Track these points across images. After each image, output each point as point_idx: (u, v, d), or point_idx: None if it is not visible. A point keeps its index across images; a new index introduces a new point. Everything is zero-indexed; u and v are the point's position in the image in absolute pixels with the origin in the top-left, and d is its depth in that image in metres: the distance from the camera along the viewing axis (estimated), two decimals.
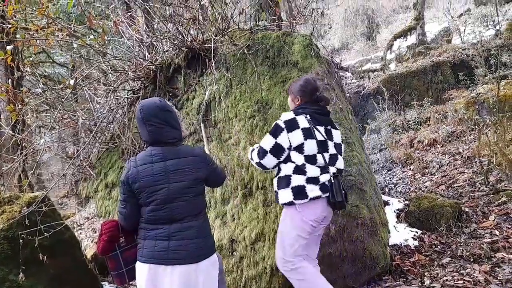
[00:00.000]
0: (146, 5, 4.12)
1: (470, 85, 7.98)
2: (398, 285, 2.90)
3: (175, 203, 1.97)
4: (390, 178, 5.81)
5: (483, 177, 4.44)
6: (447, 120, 6.92)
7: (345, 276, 2.95)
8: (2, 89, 3.52)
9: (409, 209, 3.93)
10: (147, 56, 3.95)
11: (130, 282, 2.22)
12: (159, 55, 4.03)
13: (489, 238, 3.27)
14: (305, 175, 2.23)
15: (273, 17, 3.88)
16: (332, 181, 2.26)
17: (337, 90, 3.47)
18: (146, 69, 3.89)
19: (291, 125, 2.24)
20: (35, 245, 3.26)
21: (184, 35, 3.70)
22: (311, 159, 2.24)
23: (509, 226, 3.35)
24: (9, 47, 3.25)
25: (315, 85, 2.40)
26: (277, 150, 2.26)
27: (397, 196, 4.85)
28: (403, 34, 11.01)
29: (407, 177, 5.55)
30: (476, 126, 5.93)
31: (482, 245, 3.14)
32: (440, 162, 5.49)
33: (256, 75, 3.38)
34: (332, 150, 2.31)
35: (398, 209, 4.08)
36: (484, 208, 3.79)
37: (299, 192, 2.22)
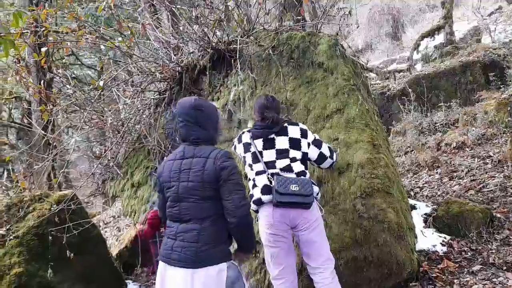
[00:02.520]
0: (173, 7, 4.18)
1: (501, 86, 7.67)
2: None
3: (184, 203, 1.95)
4: (416, 181, 5.66)
5: None
6: (477, 122, 6.68)
7: (370, 281, 2.89)
8: (35, 90, 3.65)
9: (437, 213, 3.81)
10: (173, 58, 4.00)
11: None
12: (184, 57, 4.08)
13: None
14: (249, 180, 2.49)
15: (297, 17, 3.85)
16: (272, 183, 2.30)
17: (363, 91, 3.41)
18: (172, 70, 3.95)
19: (238, 140, 2.61)
20: (63, 242, 3.36)
21: (209, 37, 3.73)
22: (250, 167, 2.49)
23: None
24: (43, 49, 3.36)
25: (261, 103, 2.56)
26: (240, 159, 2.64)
27: (423, 200, 4.72)
28: (430, 33, 10.70)
29: (434, 181, 5.39)
30: (508, 129, 5.68)
31: None
32: (469, 165, 5.30)
33: (280, 75, 3.37)
34: (268, 157, 2.43)
35: (425, 214, 3.96)
36: None
37: (250, 198, 2.40)
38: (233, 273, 2.05)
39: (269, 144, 2.47)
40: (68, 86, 4.29)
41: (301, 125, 2.56)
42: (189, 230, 1.91)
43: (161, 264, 1.95)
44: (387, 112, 9.17)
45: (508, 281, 2.68)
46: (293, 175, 2.37)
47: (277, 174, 2.35)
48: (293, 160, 2.43)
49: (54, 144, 4.38)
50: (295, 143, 2.47)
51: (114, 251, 5.47)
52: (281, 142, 2.46)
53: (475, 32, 12.48)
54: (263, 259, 2.90)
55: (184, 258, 1.87)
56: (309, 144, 2.50)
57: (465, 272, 2.97)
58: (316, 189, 2.45)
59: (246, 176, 3.17)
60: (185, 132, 2.02)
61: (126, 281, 4.88)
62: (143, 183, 3.98)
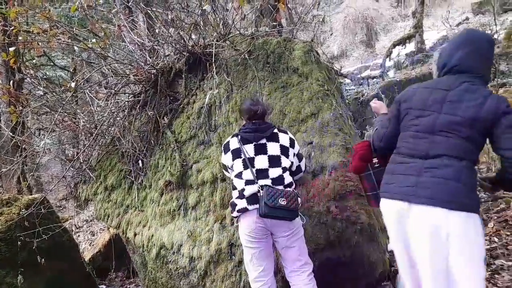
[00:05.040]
0: (148, 9, 4.16)
1: None
2: None
3: (439, 137, 1.79)
4: None
5: None
6: None
7: (344, 281, 2.95)
8: (4, 90, 3.53)
9: None
10: (148, 60, 3.97)
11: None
12: (160, 59, 4.06)
13: (488, 245, 3.28)
14: (235, 189, 2.47)
15: (274, 23, 3.91)
16: (261, 193, 2.31)
17: (337, 96, 3.49)
18: (147, 73, 3.92)
19: (225, 149, 2.57)
20: (33, 247, 3.26)
21: (185, 40, 3.73)
22: (238, 176, 2.45)
23: (508, 233, 3.35)
24: (11, 49, 3.27)
25: (247, 104, 2.58)
26: (224, 167, 2.68)
27: None
28: (402, 41, 11.10)
29: None
30: None
31: None
32: None
33: (256, 80, 3.41)
34: (260, 164, 2.41)
35: None
36: (483, 215, 3.80)
37: (232, 206, 2.45)
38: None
39: (261, 149, 2.45)
40: (39, 87, 4.17)
41: (290, 134, 2.60)
42: (444, 166, 1.75)
43: (389, 203, 1.86)
44: (361, 117, 9.40)
45: None
46: (281, 187, 2.37)
47: (266, 185, 2.33)
48: (284, 170, 2.44)
49: (24, 146, 4.24)
50: (285, 151, 2.48)
51: (87, 256, 5.34)
52: (273, 148, 2.46)
53: (444, 41, 13.00)
54: (239, 261, 2.92)
55: (439, 196, 1.70)
56: (294, 154, 2.54)
57: None
58: (299, 199, 2.45)
59: (223, 179, 3.20)
60: (465, 64, 1.83)
61: (100, 286, 4.78)
62: (117, 187, 3.91)
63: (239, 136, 2.51)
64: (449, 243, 1.67)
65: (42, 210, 3.50)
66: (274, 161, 2.43)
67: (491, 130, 1.73)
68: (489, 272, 2.85)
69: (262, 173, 2.39)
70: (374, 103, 2.52)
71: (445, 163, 1.75)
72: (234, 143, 2.51)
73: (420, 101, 1.89)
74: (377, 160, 2.23)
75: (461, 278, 1.67)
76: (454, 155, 1.75)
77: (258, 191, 2.33)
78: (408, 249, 1.83)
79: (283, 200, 2.26)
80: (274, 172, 2.40)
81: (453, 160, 1.75)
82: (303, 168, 2.69)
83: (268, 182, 2.37)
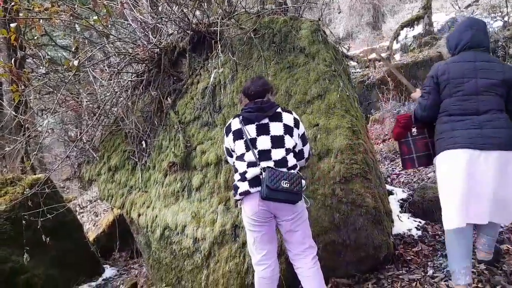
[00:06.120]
0: None
1: None
2: (401, 274, 2.89)
3: (484, 96, 2.34)
4: (393, 168, 5.78)
5: None
6: None
7: (347, 264, 2.95)
8: (6, 69, 3.47)
9: (413, 199, 3.91)
10: (152, 39, 3.89)
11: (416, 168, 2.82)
12: (163, 38, 3.97)
13: None
14: (237, 172, 2.42)
15: (280, 1, 3.80)
16: (263, 175, 2.24)
17: (344, 77, 3.41)
18: (150, 52, 3.84)
19: (227, 131, 2.51)
20: (38, 226, 3.27)
21: (189, 18, 3.63)
22: (240, 157, 2.39)
23: None
24: (12, 25, 3.19)
25: (248, 84, 2.52)
26: (227, 152, 2.60)
27: (399, 186, 4.83)
28: (410, 23, 10.81)
29: None
30: None
31: None
32: None
33: (262, 60, 3.33)
34: (263, 145, 2.33)
35: (402, 199, 4.06)
36: None
37: (235, 189, 2.40)
38: None
39: (263, 129, 2.36)
40: (41, 66, 4.11)
41: (294, 114, 2.48)
42: (496, 118, 2.32)
43: (459, 152, 2.31)
44: (366, 100, 9.29)
45: (479, 262, 2.78)
46: (285, 170, 2.29)
47: (269, 167, 2.26)
48: (288, 151, 2.34)
49: (27, 126, 4.21)
50: (289, 131, 2.38)
51: (91, 236, 5.39)
52: (276, 128, 2.36)
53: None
54: (243, 243, 2.92)
55: (499, 141, 2.27)
56: (298, 135, 2.43)
57: (438, 255, 3.07)
58: (304, 182, 2.36)
59: (226, 161, 3.17)
60: (475, 41, 2.44)
61: (104, 265, 4.83)
62: (120, 167, 3.89)
63: (241, 117, 2.42)
64: (509, 175, 2.29)
65: (46, 190, 3.49)
66: (277, 142, 2.33)
67: (509, 91, 2.39)
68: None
69: (264, 155, 2.31)
70: (413, 95, 2.95)
71: (495, 116, 2.33)
72: (235, 124, 2.44)
73: (457, 72, 2.40)
74: (415, 129, 2.74)
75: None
76: (497, 109, 2.35)
77: (261, 173, 2.27)
78: (475, 184, 2.29)
79: (285, 183, 2.19)
80: (277, 153, 2.31)
81: (498, 113, 2.35)
82: (305, 155, 2.54)
83: (270, 163, 2.29)
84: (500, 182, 2.28)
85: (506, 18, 9.68)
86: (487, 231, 2.61)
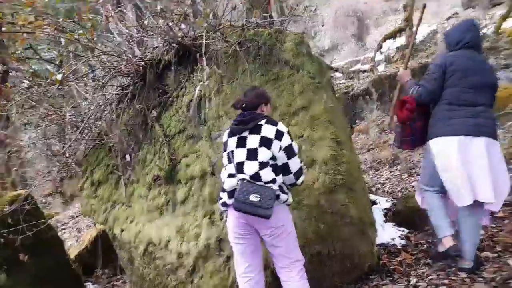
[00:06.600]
0: (137, 0, 4.06)
1: None
2: (385, 284, 2.91)
3: (480, 91, 2.69)
4: (377, 178, 5.85)
5: None
6: None
7: (333, 274, 2.96)
8: None
9: (396, 208, 3.95)
10: (137, 52, 3.89)
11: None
12: (149, 51, 3.98)
13: None
14: (222, 184, 2.45)
15: (265, 14, 3.86)
16: (237, 187, 2.26)
17: (328, 89, 3.47)
18: (136, 65, 3.83)
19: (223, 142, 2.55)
20: (17, 244, 3.19)
21: (174, 31, 3.65)
22: (225, 168, 2.45)
23: (494, 226, 3.39)
24: None
25: (242, 95, 2.57)
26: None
27: (384, 196, 4.89)
28: (392, 35, 11.07)
29: (394, 177, 5.59)
30: None
31: None
32: None
33: (247, 72, 3.36)
34: (239, 158, 2.33)
35: (385, 209, 4.11)
36: None
37: (218, 200, 2.47)
38: None
39: (241, 142, 2.36)
40: (24, 80, 4.06)
41: (280, 126, 2.37)
42: (487, 111, 2.71)
43: (455, 139, 2.64)
44: (351, 111, 9.40)
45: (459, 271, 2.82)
46: (261, 183, 2.24)
47: (243, 179, 2.26)
48: (263, 164, 2.27)
49: (8, 141, 4.14)
50: (265, 142, 2.30)
51: (73, 253, 5.26)
52: (252, 141, 2.33)
53: (434, 35, 13.06)
54: (228, 257, 2.90)
55: (490, 130, 2.66)
56: (280, 148, 2.31)
57: (421, 263, 3.10)
58: (284, 197, 2.32)
59: (212, 174, 3.16)
60: (474, 41, 2.78)
61: (86, 283, 4.72)
62: (104, 182, 3.84)
63: (229, 129, 2.48)
64: (495, 154, 2.66)
65: (27, 206, 3.42)
66: (251, 154, 2.29)
67: (492, 91, 2.79)
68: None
69: (239, 167, 2.31)
70: (400, 72, 3.18)
71: (486, 109, 2.71)
72: (225, 136, 2.50)
73: (462, 65, 2.71)
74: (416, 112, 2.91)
75: (502, 172, 2.69)
76: (488, 104, 2.74)
77: (237, 185, 2.28)
78: (469, 167, 2.62)
79: (255, 197, 2.16)
80: (250, 166, 2.27)
81: (489, 107, 2.74)
82: (292, 169, 2.38)
83: (246, 176, 2.27)
84: (490, 164, 2.62)
85: (484, 30, 9.99)
86: (468, 237, 2.75)
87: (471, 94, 2.68)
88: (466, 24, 2.92)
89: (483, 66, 2.81)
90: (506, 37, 9.06)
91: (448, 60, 2.74)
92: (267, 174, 2.28)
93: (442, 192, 2.86)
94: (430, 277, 2.85)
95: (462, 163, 2.62)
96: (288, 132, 2.40)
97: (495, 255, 2.95)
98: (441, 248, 2.91)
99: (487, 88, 2.74)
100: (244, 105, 2.45)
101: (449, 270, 2.89)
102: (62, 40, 4.08)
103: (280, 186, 2.33)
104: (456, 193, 2.70)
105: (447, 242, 2.81)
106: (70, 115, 3.88)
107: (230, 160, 2.38)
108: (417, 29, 3.50)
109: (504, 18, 9.88)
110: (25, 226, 3.25)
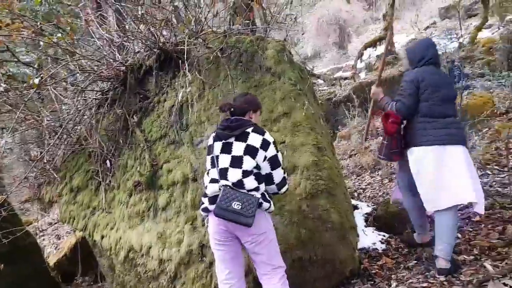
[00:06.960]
0: (118, 4, 4.03)
1: None
2: None
3: (447, 105, 2.93)
4: (359, 183, 5.93)
5: None
6: None
7: (315, 280, 2.97)
8: None
9: (377, 213, 4.01)
10: (118, 57, 3.85)
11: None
12: (130, 56, 3.94)
13: None
14: (204, 188, 2.45)
15: (247, 21, 3.88)
16: (219, 193, 2.24)
17: (309, 95, 3.51)
18: (116, 69, 3.80)
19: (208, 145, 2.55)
20: None
21: (156, 36, 3.64)
22: (207, 173, 2.44)
23: (470, 230, 3.48)
24: None
25: (225, 101, 2.68)
26: None
27: (365, 201, 4.95)
28: (373, 44, 11.31)
29: (375, 182, 5.68)
30: None
31: None
32: None
33: (229, 78, 3.37)
34: (223, 164, 2.31)
35: (366, 213, 4.16)
36: None
37: (200, 205, 2.45)
38: None
39: (226, 148, 2.34)
40: (1, 84, 3.95)
41: (267, 136, 2.36)
42: (456, 122, 3.01)
43: (430, 148, 2.87)
44: (333, 117, 9.52)
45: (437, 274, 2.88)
46: (243, 191, 2.24)
47: (226, 186, 2.24)
48: (246, 173, 2.27)
49: None
50: (251, 151, 2.29)
51: (52, 260, 5.13)
52: (238, 148, 2.30)
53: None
54: (210, 263, 2.88)
55: (461, 138, 2.93)
56: (265, 158, 2.32)
57: (401, 267, 3.15)
58: (266, 205, 2.32)
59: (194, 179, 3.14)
60: (436, 58, 3.04)
61: None
62: (83, 188, 3.77)
63: (215, 133, 2.44)
64: (468, 160, 2.89)
65: (3, 213, 3.32)
66: (236, 162, 2.29)
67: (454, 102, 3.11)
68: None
69: (223, 173, 2.29)
70: (373, 90, 3.39)
71: (455, 120, 2.97)
72: (210, 139, 2.47)
73: (432, 81, 2.92)
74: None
75: (475, 176, 2.93)
76: (455, 115, 3.01)
77: (219, 190, 2.26)
78: (444, 169, 2.83)
79: (237, 204, 2.16)
80: (233, 173, 2.27)
81: (455, 118, 3.00)
82: (275, 180, 2.40)
83: (229, 183, 2.26)
84: (467, 165, 2.84)
85: (461, 40, 10.32)
86: (445, 238, 2.85)
87: (442, 107, 2.91)
88: (426, 42, 3.19)
89: (448, 80, 3.12)
90: (481, 47, 9.39)
91: (419, 76, 2.93)
92: (250, 182, 2.28)
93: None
94: (410, 280, 2.90)
95: (438, 170, 2.84)
96: (274, 142, 2.39)
97: (472, 258, 3.03)
98: (418, 239, 3.38)
99: (452, 100, 3.04)
100: (232, 109, 2.44)
101: (427, 273, 2.94)
102: (41, 43, 4.00)
103: (262, 194, 2.33)
104: (426, 198, 2.92)
105: (421, 239, 3.34)
106: (48, 120, 3.80)
107: (214, 165, 2.36)
108: (386, 50, 3.68)
109: (478, 29, 10.25)
110: (1, 233, 3.14)
